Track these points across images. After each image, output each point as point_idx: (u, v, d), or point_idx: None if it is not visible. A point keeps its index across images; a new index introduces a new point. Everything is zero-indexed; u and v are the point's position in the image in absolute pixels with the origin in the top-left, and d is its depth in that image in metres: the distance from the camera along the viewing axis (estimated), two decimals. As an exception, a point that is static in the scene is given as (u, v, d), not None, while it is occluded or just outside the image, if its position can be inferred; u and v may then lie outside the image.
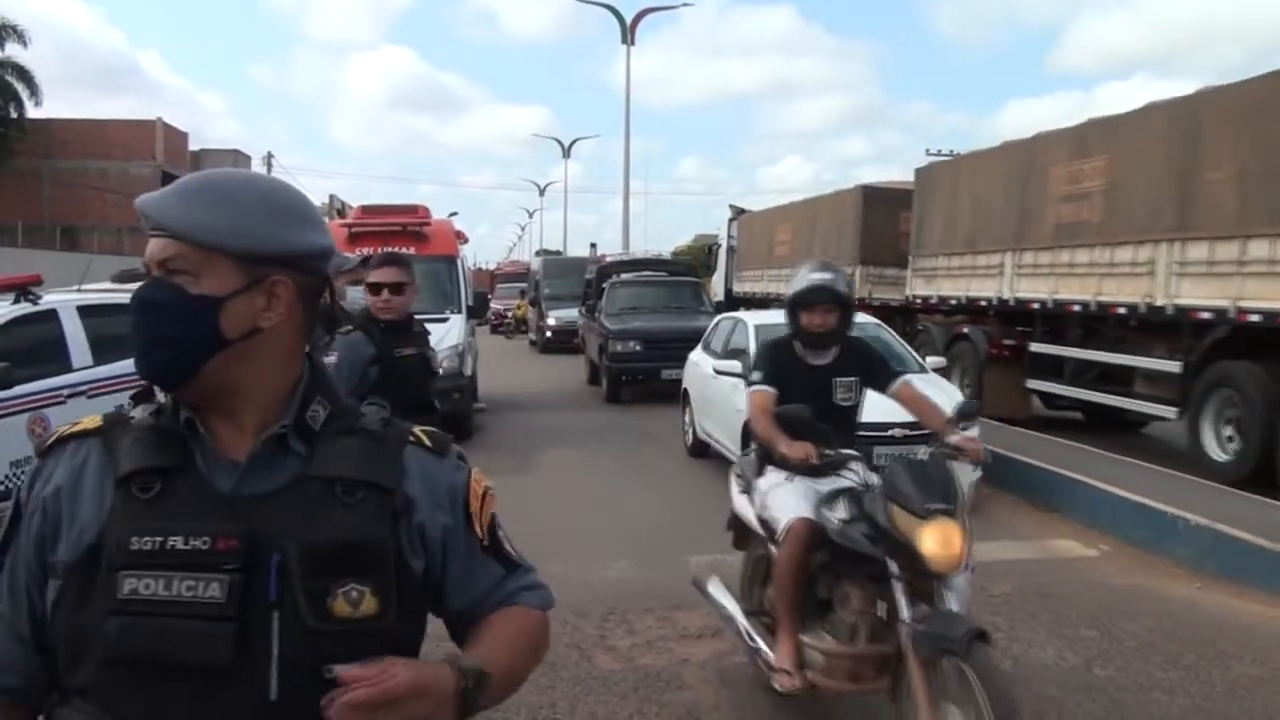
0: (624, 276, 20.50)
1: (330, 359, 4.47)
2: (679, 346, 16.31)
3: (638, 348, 17.15)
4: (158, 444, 1.42)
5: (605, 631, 6.09)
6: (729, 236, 29.56)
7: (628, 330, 17.45)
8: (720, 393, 10.60)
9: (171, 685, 1.33)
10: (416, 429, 1.58)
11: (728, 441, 10.32)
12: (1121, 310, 11.89)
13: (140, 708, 1.34)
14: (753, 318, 11.76)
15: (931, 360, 11.01)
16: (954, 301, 15.93)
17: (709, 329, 13.09)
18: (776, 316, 10.96)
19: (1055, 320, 13.58)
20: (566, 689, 5.24)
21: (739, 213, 29.89)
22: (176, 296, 1.39)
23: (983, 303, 14.98)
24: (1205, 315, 10.47)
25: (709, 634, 6.03)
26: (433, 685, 1.36)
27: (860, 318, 10.18)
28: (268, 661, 1.34)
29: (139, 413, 1.46)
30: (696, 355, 12.59)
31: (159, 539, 1.33)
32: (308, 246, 1.47)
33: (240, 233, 1.41)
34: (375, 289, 4.85)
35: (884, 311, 16.85)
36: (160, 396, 1.48)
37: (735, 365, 9.84)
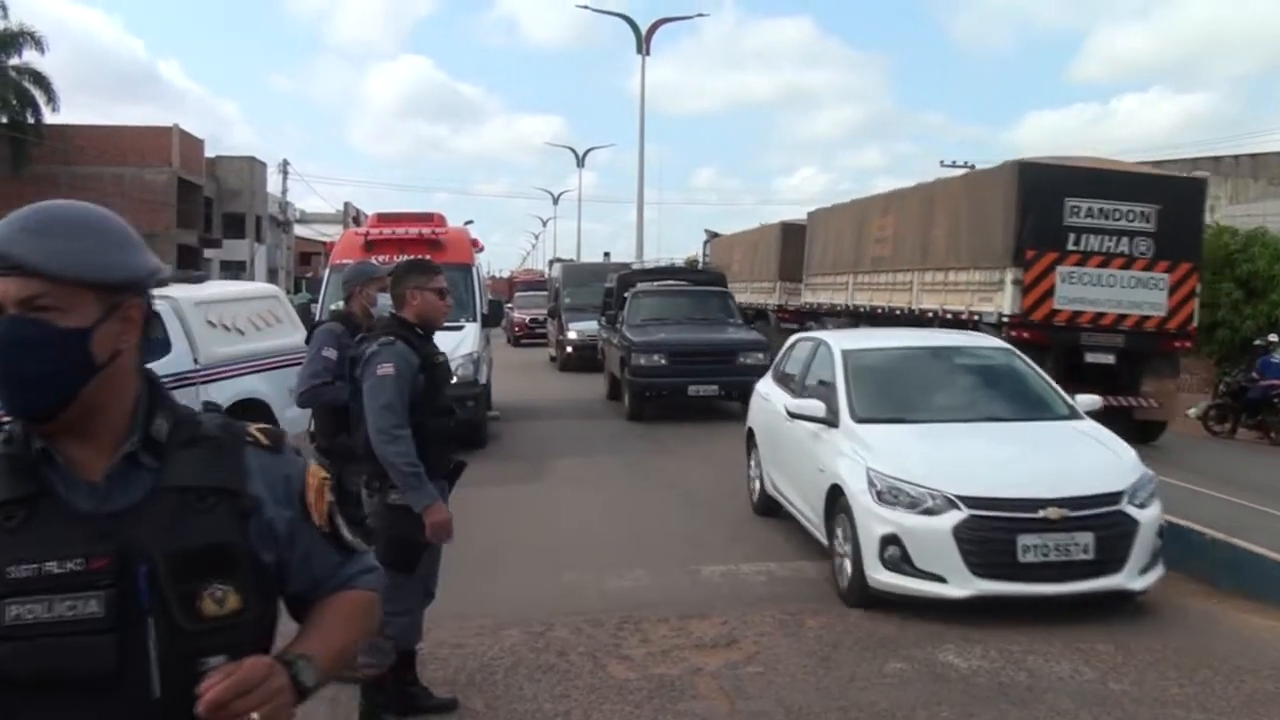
0: (647, 286, 19.31)
1: (386, 369, 4.51)
2: (707, 361, 16.10)
3: (663, 362, 16.09)
4: (13, 474, 1.48)
5: (619, 640, 6.10)
6: (704, 256, 34.85)
7: (652, 343, 16.31)
8: (796, 442, 8.23)
9: (62, 698, 1.42)
10: (253, 428, 1.67)
11: (806, 508, 8.01)
12: (898, 312, 18.30)
13: None
14: (839, 339, 8.99)
15: (1085, 400, 7.98)
16: (824, 306, 22.49)
17: (781, 352, 10.44)
18: (868, 338, 10.44)
19: (874, 318, 19.22)
20: (581, 697, 5.25)
21: (713, 236, 36.32)
22: (49, 333, 1.45)
23: (837, 307, 21.53)
24: (930, 314, 16.86)
25: (723, 643, 6.04)
26: (272, 667, 1.48)
27: (982, 339, 9.73)
28: (148, 664, 1.45)
29: None
30: (765, 386, 10.07)
31: (35, 565, 1.41)
32: (149, 270, 1.57)
33: (98, 265, 1.48)
34: (442, 294, 4.88)
35: (795, 315, 24.17)
36: (7, 427, 1.53)
37: (818, 406, 7.73)
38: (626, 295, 18.62)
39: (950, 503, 6.37)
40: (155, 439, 1.54)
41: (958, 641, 5.99)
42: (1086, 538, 6.29)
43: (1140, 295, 14.89)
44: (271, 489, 1.61)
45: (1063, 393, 8.07)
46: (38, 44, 40.34)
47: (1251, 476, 11.87)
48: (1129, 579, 6.39)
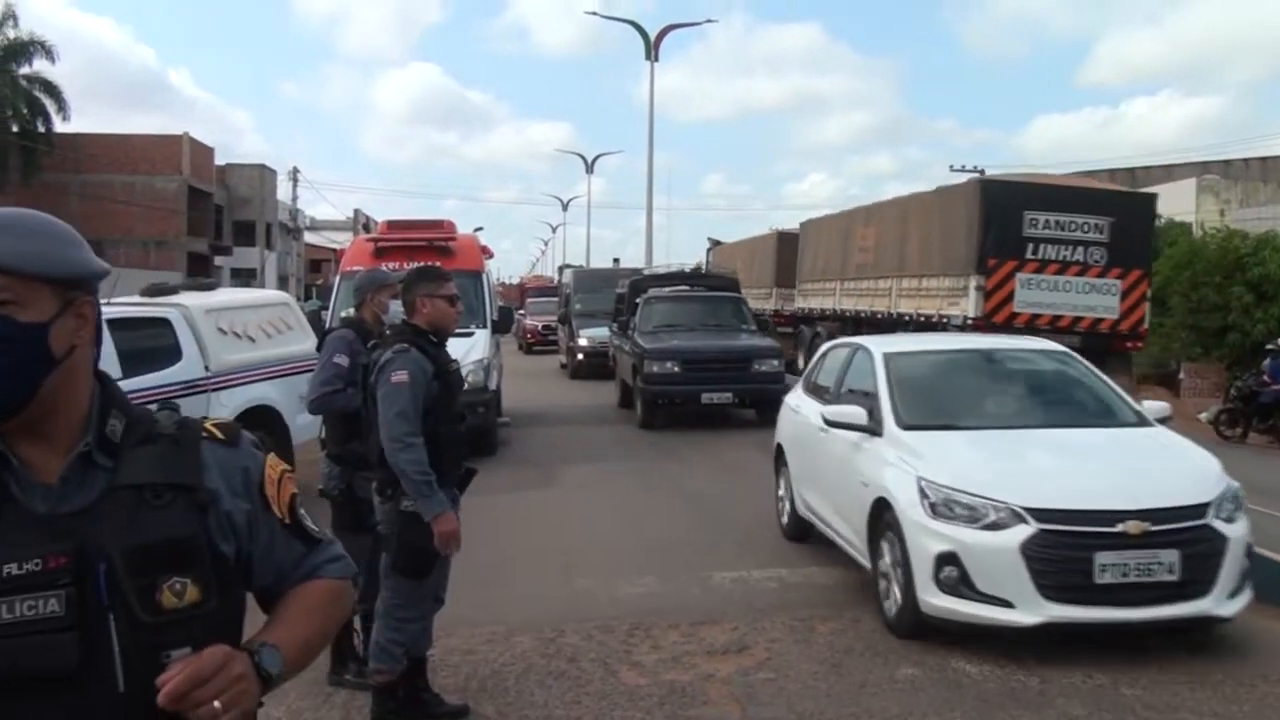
0: (660, 291, 18.80)
1: (401, 376, 4.53)
2: (721, 368, 15.76)
3: (676, 369, 15.65)
4: None
5: (630, 647, 6.10)
6: (707, 264, 34.77)
7: (665, 350, 15.90)
8: (833, 455, 7.46)
9: (30, 696, 1.45)
10: (209, 423, 1.70)
11: (845, 528, 7.24)
12: (879, 316, 20.01)
13: None
14: (879, 344, 8.20)
15: (1153, 407, 7.30)
16: (815, 311, 24.02)
17: (815, 360, 9.65)
18: (911, 342, 9.83)
19: (858, 322, 20.45)
20: (592, 704, 5.26)
21: (715, 244, 38.02)
22: (10, 327, 1.48)
23: (827, 312, 23.08)
24: (906, 318, 18.69)
25: (734, 649, 6.04)
26: (230, 655, 1.50)
27: (1038, 343, 8.74)
28: (112, 659, 1.48)
29: None
30: (795, 398, 9.30)
31: None
32: (99, 268, 1.62)
33: (53, 260, 1.53)
34: (453, 301, 4.91)
35: (792, 319, 25.85)
36: None
37: (858, 413, 7.01)
38: (638, 301, 18.22)
39: (1017, 516, 5.71)
40: (109, 438, 1.57)
41: (969, 647, 5.98)
42: (1171, 556, 5.61)
43: (1094, 299, 16.46)
44: (229, 481, 1.64)
45: (1129, 398, 7.56)
46: (48, 53, 40.59)
47: (1262, 480, 11.80)
48: (1217, 604, 5.71)
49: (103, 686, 1.48)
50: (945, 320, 17.11)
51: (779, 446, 9.25)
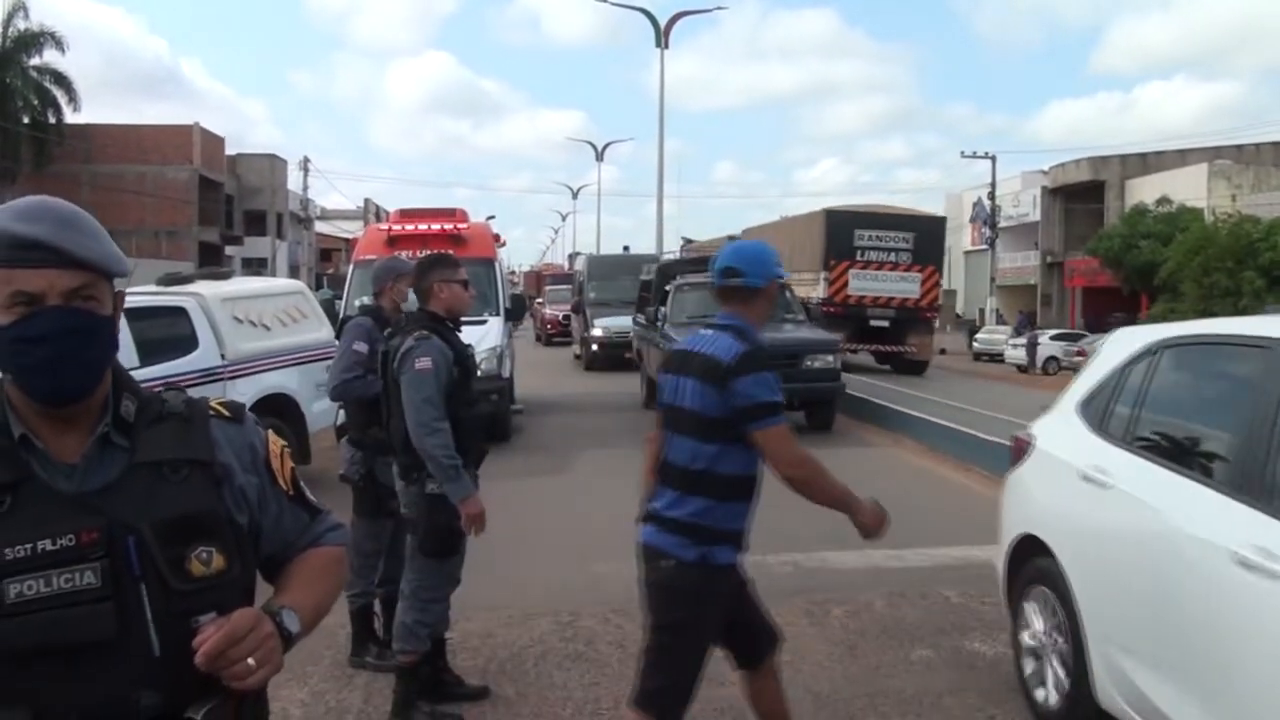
0: (693, 278, 16.06)
1: (425, 363, 4.59)
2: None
3: None
4: None
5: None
6: None
7: None
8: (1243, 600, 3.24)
9: (68, 664, 1.52)
10: (214, 402, 1.79)
11: None
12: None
13: (50, 689, 1.51)
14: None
15: None
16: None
17: (1091, 371, 5.01)
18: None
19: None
20: (610, 685, 5.33)
21: (688, 242, 40.65)
22: (98, 321, 1.60)
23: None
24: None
25: (750, 633, 6.09)
26: (259, 616, 1.60)
27: None
28: (145, 626, 1.56)
29: None
30: (1082, 456, 4.55)
31: (29, 545, 1.51)
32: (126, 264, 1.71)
33: (113, 257, 1.63)
34: (466, 285, 4.99)
35: (842, 307, 28.31)
36: None
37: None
38: (668, 289, 16.32)
39: None
40: (125, 419, 1.65)
41: (983, 629, 6.04)
42: None
43: (902, 286, 26.61)
44: (239, 457, 1.74)
45: None
46: (58, 44, 40.77)
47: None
48: None
49: (139, 652, 1.56)
50: (811, 301, 23.61)
51: (1025, 543, 4.87)
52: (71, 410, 1.61)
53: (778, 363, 11.05)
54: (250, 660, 1.54)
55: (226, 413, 1.77)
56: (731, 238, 28.58)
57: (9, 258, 1.54)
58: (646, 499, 3.92)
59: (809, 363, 13.97)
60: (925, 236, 24.73)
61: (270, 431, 1.86)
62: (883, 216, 26.84)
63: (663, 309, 15.82)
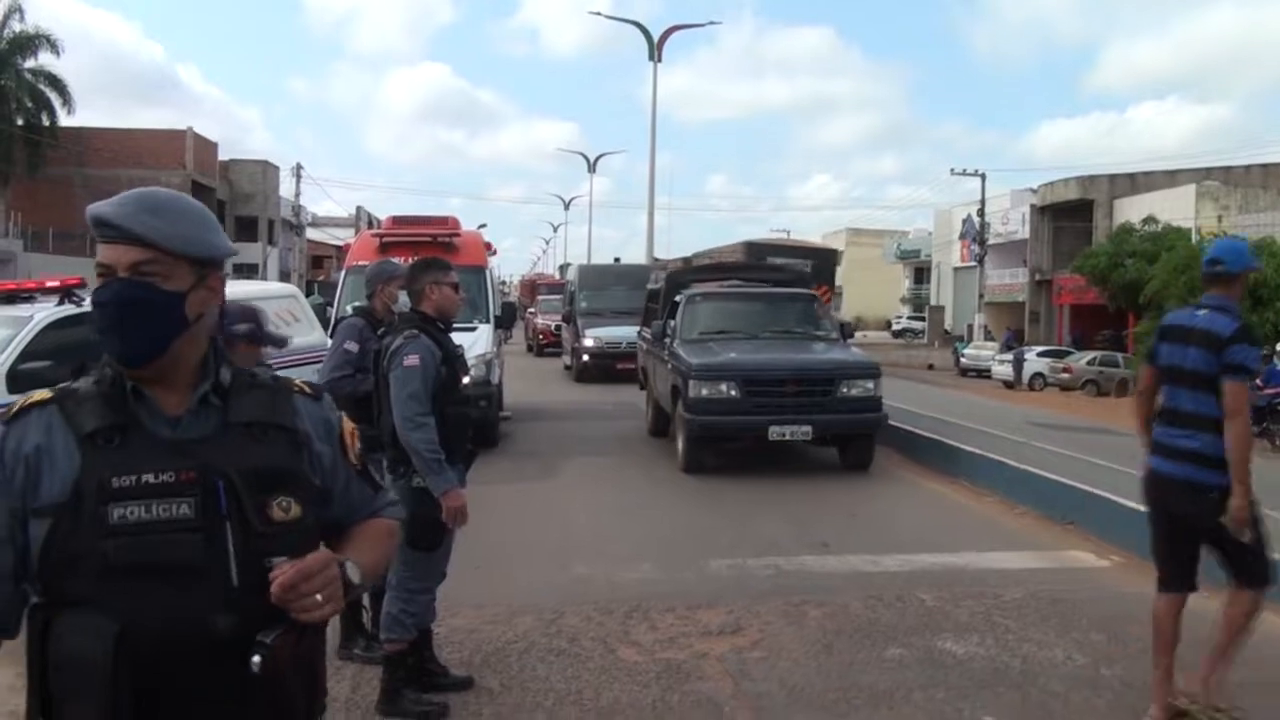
0: (707, 288, 14.41)
1: (413, 360, 4.76)
2: (795, 392, 11.70)
3: (733, 393, 11.63)
4: (107, 407, 1.80)
5: (628, 628, 6.31)
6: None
7: (718, 366, 11.90)
8: None
9: (159, 584, 1.73)
10: (298, 381, 2.04)
11: None
12: None
13: (137, 603, 1.71)
14: None
15: None
16: None
17: None
18: None
19: None
20: (591, 678, 5.47)
21: (661, 266, 45.53)
22: (155, 294, 1.79)
23: None
24: None
25: (729, 631, 6.24)
26: (331, 559, 1.82)
27: None
28: (227, 558, 1.77)
29: (83, 384, 1.84)
30: None
31: (134, 476, 1.74)
32: (227, 250, 1.94)
33: (194, 241, 1.84)
34: (456, 288, 5.16)
35: None
36: (97, 372, 1.86)
37: None
38: (678, 300, 13.90)
39: None
40: (222, 384, 1.89)
41: (955, 630, 6.20)
42: None
43: None
44: (316, 429, 1.98)
45: None
46: (53, 47, 40.79)
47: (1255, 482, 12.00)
48: None
49: (219, 580, 1.76)
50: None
51: None
52: (152, 371, 1.81)
53: (811, 389, 10.56)
54: (318, 596, 1.75)
55: (308, 390, 2.02)
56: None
57: (98, 235, 1.81)
58: (1148, 437, 4.94)
59: (844, 389, 11.73)
60: (822, 262, 25.51)
61: (343, 415, 2.09)
62: (791, 248, 29.64)
63: (671, 323, 13.45)
